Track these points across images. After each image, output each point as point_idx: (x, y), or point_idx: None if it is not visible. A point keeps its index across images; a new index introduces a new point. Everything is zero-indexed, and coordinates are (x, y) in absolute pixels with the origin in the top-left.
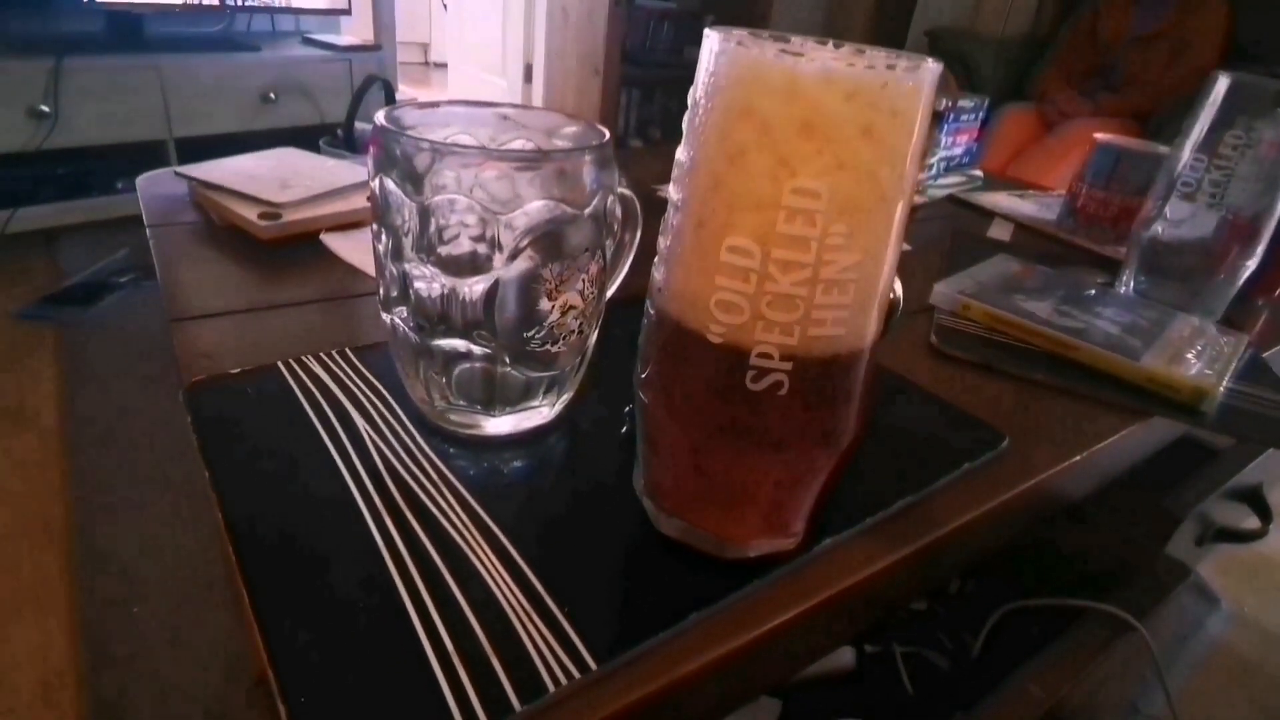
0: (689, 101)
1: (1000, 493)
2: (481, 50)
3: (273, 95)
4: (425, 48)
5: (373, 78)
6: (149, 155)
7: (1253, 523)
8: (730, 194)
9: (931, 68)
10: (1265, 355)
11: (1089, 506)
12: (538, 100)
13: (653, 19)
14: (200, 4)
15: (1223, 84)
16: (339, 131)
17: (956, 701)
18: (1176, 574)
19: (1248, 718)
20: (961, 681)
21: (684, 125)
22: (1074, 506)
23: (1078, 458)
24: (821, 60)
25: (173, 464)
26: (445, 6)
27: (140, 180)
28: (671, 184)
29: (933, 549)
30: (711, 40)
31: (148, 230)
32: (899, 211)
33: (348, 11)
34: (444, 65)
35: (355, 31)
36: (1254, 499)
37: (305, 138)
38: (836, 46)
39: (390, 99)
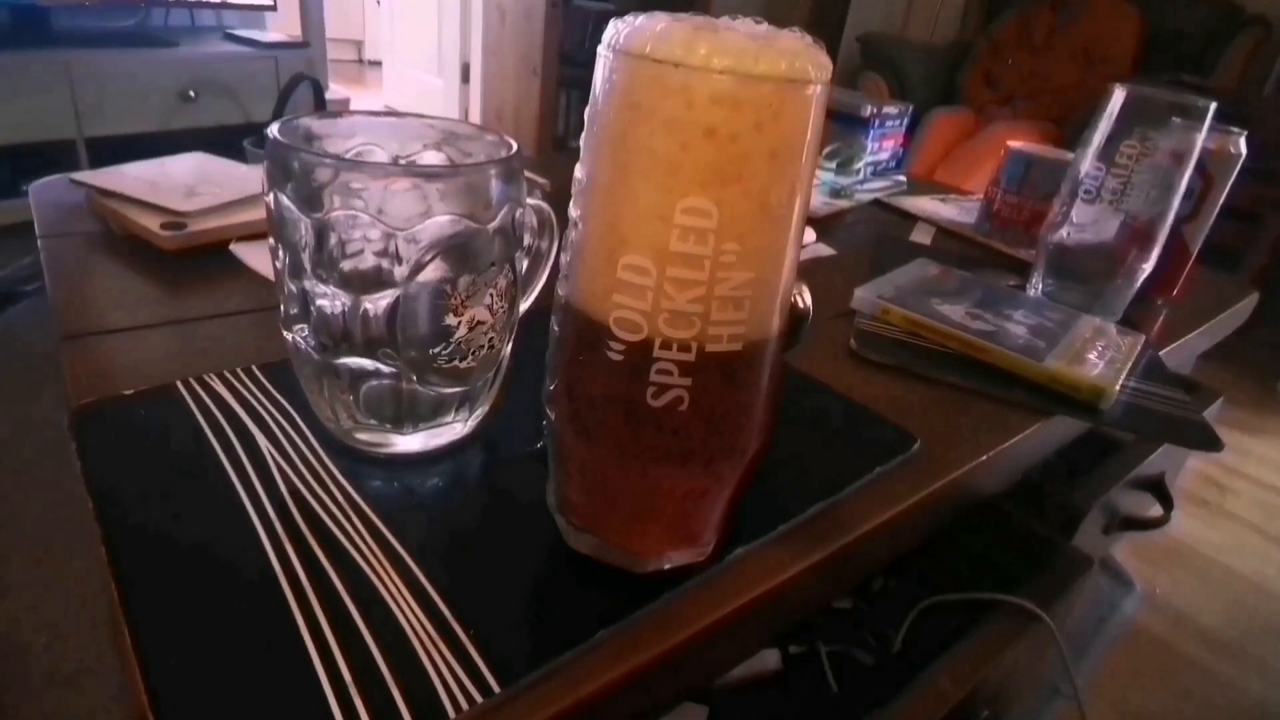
0: (585, 117)
1: (911, 494)
2: (417, 49)
3: (192, 93)
4: (359, 45)
5: (300, 76)
6: (57, 156)
7: (1156, 511)
8: (625, 212)
9: (819, 89)
10: (1161, 354)
11: (1000, 501)
12: (475, 101)
13: (591, 19)
14: None
15: (1119, 96)
16: (265, 132)
17: (878, 698)
18: (1082, 564)
19: (1160, 695)
20: (884, 677)
21: (581, 142)
22: (986, 501)
23: (985, 457)
24: (711, 74)
25: (74, 490)
26: (379, 3)
27: (33, 188)
28: (571, 201)
29: (844, 552)
30: (602, 48)
31: (39, 241)
32: (793, 228)
33: (273, 7)
34: (379, 64)
35: (282, 28)
36: (1157, 488)
37: (229, 138)
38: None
39: (319, 98)
